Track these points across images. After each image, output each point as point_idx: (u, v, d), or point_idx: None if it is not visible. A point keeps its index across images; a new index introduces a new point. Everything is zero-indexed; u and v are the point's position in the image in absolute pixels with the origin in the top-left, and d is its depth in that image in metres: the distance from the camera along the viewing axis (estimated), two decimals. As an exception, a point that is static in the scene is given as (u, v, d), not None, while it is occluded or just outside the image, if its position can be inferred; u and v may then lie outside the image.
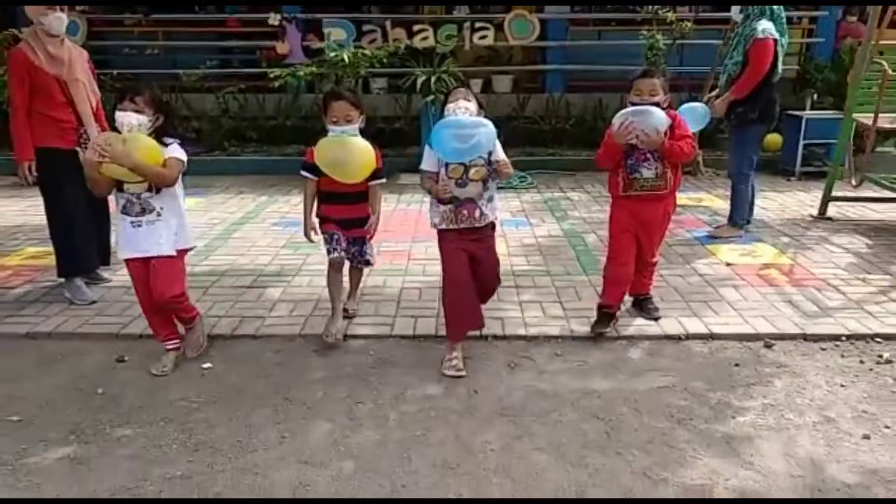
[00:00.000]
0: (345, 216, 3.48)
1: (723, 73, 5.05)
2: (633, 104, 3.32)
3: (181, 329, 3.38)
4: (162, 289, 3.10)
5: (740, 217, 5.13)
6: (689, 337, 3.50)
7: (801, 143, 7.24)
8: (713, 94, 5.29)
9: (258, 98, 8.72)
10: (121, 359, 3.31)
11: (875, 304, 3.87)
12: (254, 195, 6.77)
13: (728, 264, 4.55)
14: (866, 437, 2.64)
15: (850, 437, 2.65)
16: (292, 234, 5.30)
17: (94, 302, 3.97)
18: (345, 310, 3.63)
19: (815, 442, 2.62)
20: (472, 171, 3.13)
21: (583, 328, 3.59)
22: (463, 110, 3.05)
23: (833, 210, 5.78)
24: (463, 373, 3.13)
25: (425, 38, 8.53)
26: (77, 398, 2.96)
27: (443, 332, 3.50)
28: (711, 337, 3.51)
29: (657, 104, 3.30)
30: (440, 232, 3.27)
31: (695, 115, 4.55)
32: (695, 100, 5.55)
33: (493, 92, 9.10)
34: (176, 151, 3.09)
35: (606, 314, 3.58)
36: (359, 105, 3.33)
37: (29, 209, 6.08)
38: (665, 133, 3.28)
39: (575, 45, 9.00)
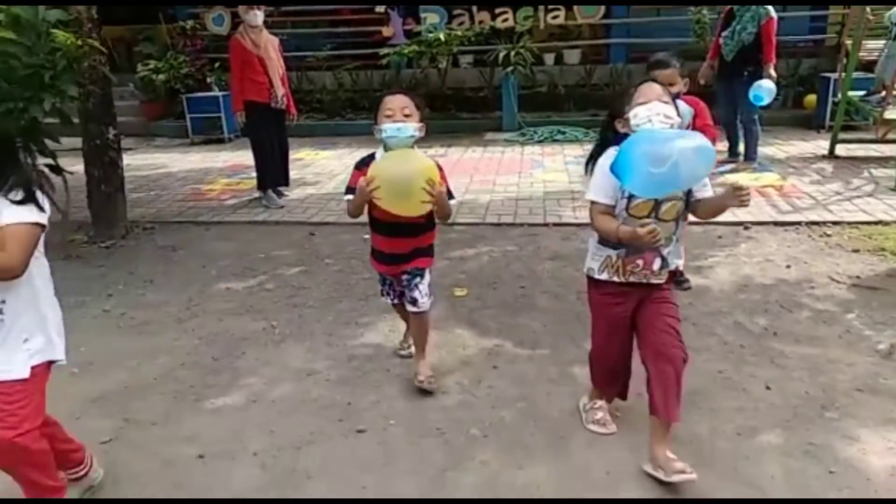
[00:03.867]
0: (399, 250, 2.82)
1: (731, 40, 6.40)
2: None
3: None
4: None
5: (753, 152, 6.54)
6: (690, 223, 5.02)
7: (830, 100, 8.41)
8: (713, 60, 6.65)
9: (367, 74, 10.58)
10: (312, 233, 5.18)
11: (838, 205, 5.28)
12: (370, 146, 8.58)
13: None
14: (788, 266, 4.16)
15: (777, 267, 4.17)
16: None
17: (282, 206, 5.90)
18: (419, 380, 2.87)
19: (753, 269, 4.16)
20: (665, 207, 2.18)
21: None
22: (661, 119, 2.13)
23: (843, 150, 7.04)
24: (612, 430, 2.55)
25: (506, 20, 10.08)
26: (293, 250, 4.85)
27: (520, 220, 5.24)
28: (706, 223, 5.03)
29: (676, 95, 3.13)
30: (594, 282, 2.39)
31: (768, 92, 5.84)
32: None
33: (565, 64, 10.60)
34: (21, 214, 1.85)
35: None
36: (419, 106, 2.69)
37: (205, 159, 8.22)
38: (688, 125, 3.27)
39: (636, 22, 10.37)
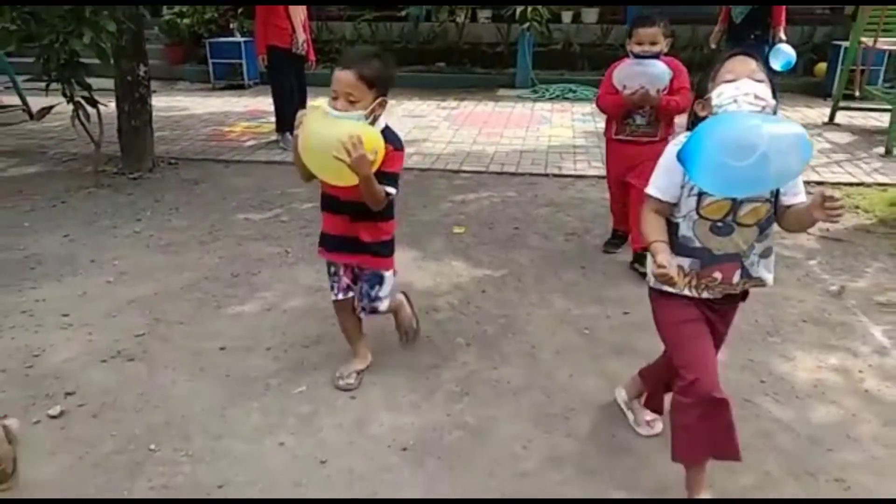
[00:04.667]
0: (343, 232, 2.46)
1: (737, 7, 6.57)
2: (635, 55, 3.32)
3: None
4: None
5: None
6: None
7: (839, 68, 8.51)
8: (724, 25, 6.81)
9: (386, 26, 10.76)
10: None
11: (825, 167, 5.53)
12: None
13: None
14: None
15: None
16: (417, 121, 7.44)
17: (298, 149, 6.24)
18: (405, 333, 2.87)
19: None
20: (746, 209, 1.83)
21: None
22: (751, 100, 1.75)
23: (844, 119, 7.23)
24: (659, 430, 2.31)
25: (525, -24, 10.21)
26: (307, 188, 5.09)
27: (522, 170, 5.55)
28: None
29: (657, 54, 3.29)
30: (658, 294, 2.02)
31: (790, 58, 6.13)
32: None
33: (581, 22, 10.72)
34: None
35: (619, 236, 3.95)
36: (375, 82, 2.20)
37: (226, 104, 8.55)
38: (665, 87, 3.30)
39: (654, -18, 10.43)
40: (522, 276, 3.63)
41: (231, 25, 10.25)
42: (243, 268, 3.70)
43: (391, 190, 2.33)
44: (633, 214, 3.56)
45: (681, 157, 1.71)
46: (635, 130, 3.53)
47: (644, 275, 3.37)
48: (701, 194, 1.82)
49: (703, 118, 1.84)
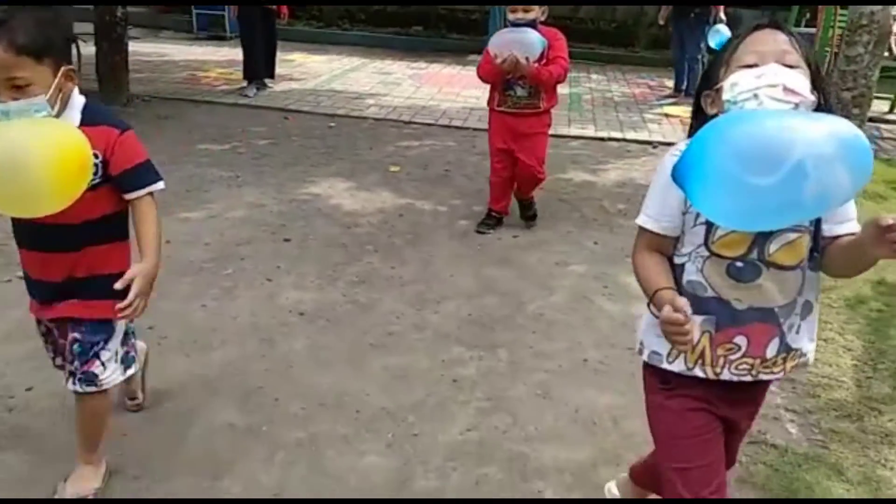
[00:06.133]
0: (51, 277, 1.71)
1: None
2: (511, 22, 3.37)
3: None
4: None
5: (692, 87, 7.29)
6: (610, 139, 5.88)
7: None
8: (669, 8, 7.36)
9: (366, -12, 11.16)
10: (286, 117, 6.05)
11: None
12: (360, 56, 9.36)
13: (666, 115, 6.81)
14: (669, 175, 5.01)
15: (661, 175, 5.04)
16: (384, 77, 7.93)
17: (266, 95, 6.73)
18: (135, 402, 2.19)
19: (639, 174, 5.02)
20: (777, 244, 1.32)
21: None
22: (777, 93, 1.24)
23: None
24: None
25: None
26: (266, 128, 5.72)
27: (468, 125, 6.08)
28: (624, 140, 5.88)
29: (532, 21, 3.33)
30: (658, 375, 1.47)
31: (723, 37, 6.70)
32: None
33: (554, -4, 11.15)
34: None
35: (494, 217, 3.85)
36: (45, 50, 1.51)
37: (206, 52, 9.00)
38: (542, 55, 3.34)
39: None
40: (440, 205, 4.20)
41: (217, -23, 10.59)
42: (196, 186, 4.24)
43: (156, 186, 1.75)
44: (518, 186, 3.81)
45: (676, 174, 1.19)
46: (517, 102, 3.55)
47: (481, 233, 3.77)
48: (709, 223, 1.34)
49: (709, 117, 1.35)
